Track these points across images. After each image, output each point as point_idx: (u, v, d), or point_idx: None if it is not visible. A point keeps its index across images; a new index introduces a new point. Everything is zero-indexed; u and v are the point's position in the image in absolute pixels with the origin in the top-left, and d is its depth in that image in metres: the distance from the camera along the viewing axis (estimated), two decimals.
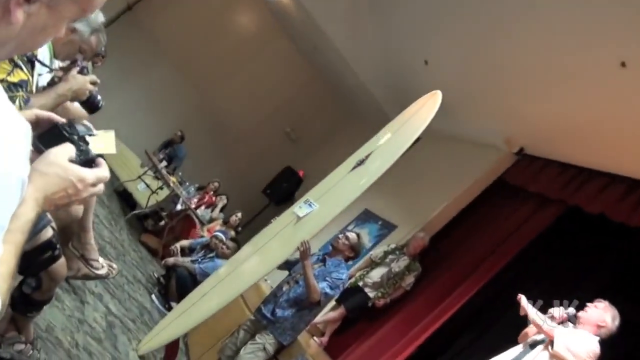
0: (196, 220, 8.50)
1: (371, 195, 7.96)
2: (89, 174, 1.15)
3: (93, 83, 2.79)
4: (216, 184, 9.86)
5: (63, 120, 1.26)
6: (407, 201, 7.71)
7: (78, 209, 2.92)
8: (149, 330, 5.06)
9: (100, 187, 1.19)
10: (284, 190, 11.38)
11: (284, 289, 4.64)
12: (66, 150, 1.14)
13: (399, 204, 7.80)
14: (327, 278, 4.48)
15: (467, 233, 6.75)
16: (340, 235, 4.90)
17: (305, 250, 4.39)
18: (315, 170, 11.14)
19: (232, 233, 8.24)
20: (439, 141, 8.24)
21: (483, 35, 6.16)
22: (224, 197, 9.56)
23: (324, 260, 4.71)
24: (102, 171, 1.19)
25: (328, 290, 4.42)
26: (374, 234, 7.45)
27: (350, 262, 5.20)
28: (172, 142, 10.53)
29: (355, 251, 4.75)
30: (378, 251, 6.73)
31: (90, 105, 2.91)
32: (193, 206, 8.57)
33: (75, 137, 1.21)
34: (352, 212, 7.96)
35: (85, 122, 2.36)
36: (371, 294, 6.32)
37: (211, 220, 9.15)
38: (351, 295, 6.27)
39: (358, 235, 4.89)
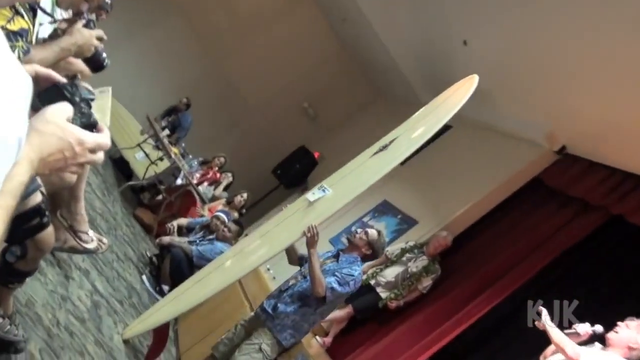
0: (197, 198, 8.51)
1: (392, 186, 8.03)
2: (89, 137, 1.15)
3: (99, 39, 2.77)
4: (222, 160, 9.86)
5: (64, 79, 1.27)
6: (431, 195, 7.71)
7: (71, 175, 2.93)
8: (137, 314, 5.13)
9: (100, 155, 1.19)
10: (296, 172, 11.37)
11: (290, 283, 4.63)
12: (64, 109, 1.14)
13: (421, 198, 7.81)
14: (336, 273, 4.45)
15: (494, 236, 6.73)
16: (359, 230, 4.84)
17: (313, 236, 4.37)
18: (332, 152, 11.15)
19: (235, 215, 8.27)
20: (471, 131, 8.22)
21: (532, 16, 6.09)
22: (229, 174, 9.57)
23: (337, 256, 4.68)
24: (103, 137, 1.19)
25: (335, 285, 4.36)
26: (392, 228, 7.46)
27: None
28: (176, 109, 10.52)
29: (373, 249, 4.69)
30: (395, 248, 6.73)
31: (95, 63, 2.91)
32: (195, 182, 8.58)
33: (77, 99, 1.22)
34: (369, 203, 8.00)
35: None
36: (383, 295, 6.33)
37: (213, 198, 9.18)
38: (361, 294, 6.26)
39: (379, 232, 4.80)
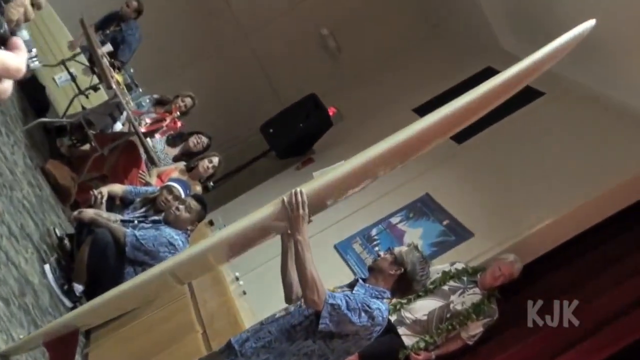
0: (143, 156, 8.47)
1: (440, 174, 8.02)
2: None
3: None
4: (188, 101, 9.65)
5: None
6: (498, 195, 7.68)
7: None
8: (30, 322, 5.11)
9: (7, 85, 1.18)
10: (297, 133, 11.16)
11: (278, 315, 4.57)
12: None
13: (482, 198, 7.79)
14: (347, 294, 4.38)
15: (587, 271, 6.73)
16: (382, 252, 4.75)
17: (297, 207, 4.20)
18: (355, 110, 11.10)
19: (198, 188, 8.20)
20: (573, 102, 8.24)
21: None
22: (203, 138, 9.36)
23: (352, 286, 4.58)
24: (16, 60, 1.17)
25: (341, 302, 4.27)
26: (432, 239, 7.48)
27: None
28: (119, 16, 10.31)
29: (404, 267, 4.57)
30: (433, 269, 6.67)
31: None
32: (143, 130, 8.49)
33: None
34: (403, 196, 8.04)
35: None
36: (407, 340, 6.30)
37: (176, 158, 9.07)
38: None
39: (412, 245, 4.70)
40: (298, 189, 4.22)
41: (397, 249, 4.58)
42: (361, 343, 4.47)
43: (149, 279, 4.70)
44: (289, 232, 4.31)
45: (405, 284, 4.48)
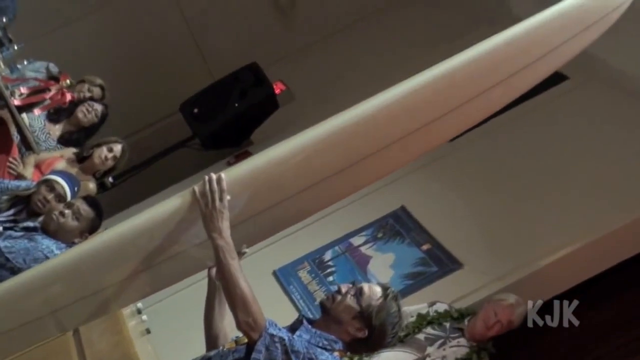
0: (15, 137, 8.35)
1: (422, 182, 7.96)
2: None
3: None
4: (96, 92, 9.43)
5: None
6: (498, 216, 7.71)
7: None
8: None
9: None
10: (231, 116, 11.10)
11: (212, 354, 4.46)
12: None
13: (477, 218, 7.83)
14: (290, 335, 4.25)
15: (620, 321, 6.75)
16: (344, 285, 4.60)
17: (212, 199, 4.14)
18: (313, 89, 11.10)
19: (91, 186, 8.07)
20: (607, 95, 8.21)
21: None
22: (95, 105, 9.25)
23: (294, 328, 4.45)
24: None
25: (284, 335, 4.15)
26: (406, 269, 7.48)
27: None
28: None
29: (370, 327, 4.43)
30: (405, 311, 6.60)
31: None
32: (17, 103, 8.37)
33: None
34: (372, 208, 8.03)
35: None
36: None
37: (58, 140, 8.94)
38: None
39: (395, 297, 4.56)
40: (214, 175, 4.14)
41: (366, 297, 4.42)
42: None
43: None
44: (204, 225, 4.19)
45: (367, 343, 4.37)
